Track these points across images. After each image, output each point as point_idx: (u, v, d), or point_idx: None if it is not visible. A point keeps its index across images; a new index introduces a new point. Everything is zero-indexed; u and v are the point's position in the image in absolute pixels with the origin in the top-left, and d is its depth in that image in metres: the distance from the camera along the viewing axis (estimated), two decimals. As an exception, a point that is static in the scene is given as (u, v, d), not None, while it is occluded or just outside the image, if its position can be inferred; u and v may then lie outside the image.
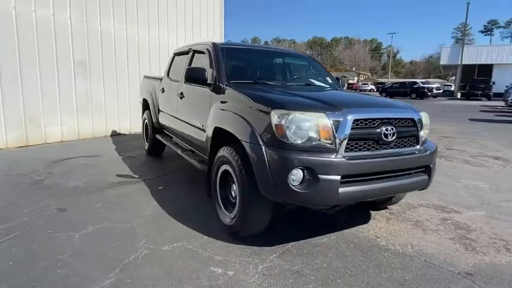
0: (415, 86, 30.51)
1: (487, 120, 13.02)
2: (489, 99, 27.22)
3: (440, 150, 6.47)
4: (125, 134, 7.75)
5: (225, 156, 2.71)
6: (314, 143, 2.28)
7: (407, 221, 3.24)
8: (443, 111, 16.64)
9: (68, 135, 6.77)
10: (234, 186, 2.75)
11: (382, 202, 3.36)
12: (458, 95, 31.14)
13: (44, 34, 6.20)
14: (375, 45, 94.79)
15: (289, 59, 4.14)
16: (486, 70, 32.22)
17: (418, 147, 2.71)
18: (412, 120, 2.67)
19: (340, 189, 2.24)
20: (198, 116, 3.46)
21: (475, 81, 29.42)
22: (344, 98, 2.94)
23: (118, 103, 7.65)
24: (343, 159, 2.27)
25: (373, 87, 31.93)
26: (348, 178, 2.28)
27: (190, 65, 4.03)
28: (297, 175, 2.23)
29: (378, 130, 2.43)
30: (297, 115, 2.28)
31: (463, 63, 32.03)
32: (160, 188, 4.00)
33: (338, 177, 2.22)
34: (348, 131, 2.31)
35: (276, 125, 2.30)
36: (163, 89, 4.80)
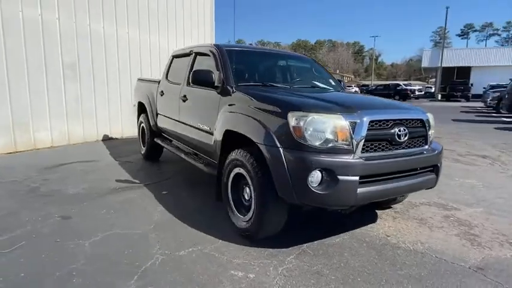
0: (398, 88, 31.34)
1: (469, 120, 13.50)
2: (468, 100, 28.24)
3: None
4: (116, 139, 7.60)
5: (238, 159, 2.70)
6: (332, 144, 2.31)
7: (413, 219, 3.32)
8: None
9: (58, 140, 6.58)
10: (247, 189, 2.75)
11: (388, 201, 3.43)
12: (439, 97, 32.17)
13: (31, 35, 6.01)
14: (357, 48, 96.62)
15: (293, 61, 4.18)
16: (465, 72, 33.50)
17: (426, 147, 2.80)
18: (421, 120, 2.75)
19: (359, 190, 2.28)
20: (205, 119, 3.44)
21: (455, 83, 30.48)
22: (356, 100, 2.99)
23: (109, 106, 7.50)
24: (361, 160, 2.31)
25: (357, 89, 32.51)
26: (365, 178, 2.32)
27: (192, 68, 4.01)
28: (316, 177, 2.25)
29: (392, 131, 2.49)
30: (315, 117, 2.31)
31: (443, 65, 33.16)
32: (164, 192, 3.94)
33: (357, 178, 2.26)
34: (364, 132, 2.35)
35: (294, 127, 2.32)
36: (162, 91, 4.74)
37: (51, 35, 6.32)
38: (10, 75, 5.76)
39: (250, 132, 2.61)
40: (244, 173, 2.67)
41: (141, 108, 5.60)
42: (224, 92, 3.17)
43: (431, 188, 2.88)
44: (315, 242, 2.77)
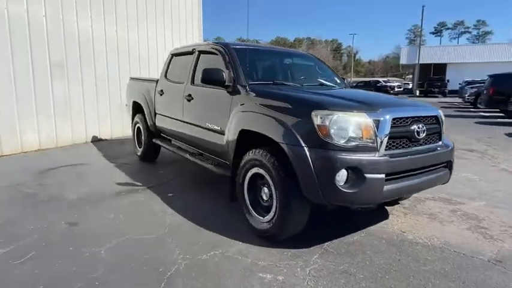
0: (378, 84, 32.15)
1: (449, 115, 13.97)
2: (445, 96, 29.24)
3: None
4: (106, 140, 7.34)
5: (257, 159, 2.65)
6: (357, 142, 2.31)
7: (423, 214, 3.38)
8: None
9: (46, 142, 6.27)
10: (266, 189, 2.71)
11: (398, 198, 3.47)
12: (417, 93, 33.14)
13: (17, 32, 5.69)
14: (335, 46, 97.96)
15: (298, 59, 4.16)
16: (440, 69, 34.70)
17: (440, 143, 2.85)
18: (436, 117, 2.80)
19: (385, 187, 2.29)
20: (214, 118, 3.36)
21: (432, 79, 31.49)
22: (374, 98, 3.00)
23: (98, 107, 7.22)
24: (386, 157, 2.32)
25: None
26: (390, 176, 2.33)
27: (195, 66, 3.91)
28: (343, 175, 2.24)
29: (412, 128, 2.52)
30: (340, 115, 2.29)
31: (420, 62, 34.19)
32: (170, 195, 3.83)
33: (383, 176, 2.27)
34: (388, 129, 2.36)
35: (319, 126, 2.29)
36: (161, 91, 4.60)
37: (38, 32, 6.00)
38: (-6, 74, 5.44)
39: (271, 131, 2.56)
40: (264, 173, 2.62)
41: (137, 108, 5.43)
42: (235, 91, 3.11)
43: (445, 183, 2.94)
44: (335, 240, 2.77)
